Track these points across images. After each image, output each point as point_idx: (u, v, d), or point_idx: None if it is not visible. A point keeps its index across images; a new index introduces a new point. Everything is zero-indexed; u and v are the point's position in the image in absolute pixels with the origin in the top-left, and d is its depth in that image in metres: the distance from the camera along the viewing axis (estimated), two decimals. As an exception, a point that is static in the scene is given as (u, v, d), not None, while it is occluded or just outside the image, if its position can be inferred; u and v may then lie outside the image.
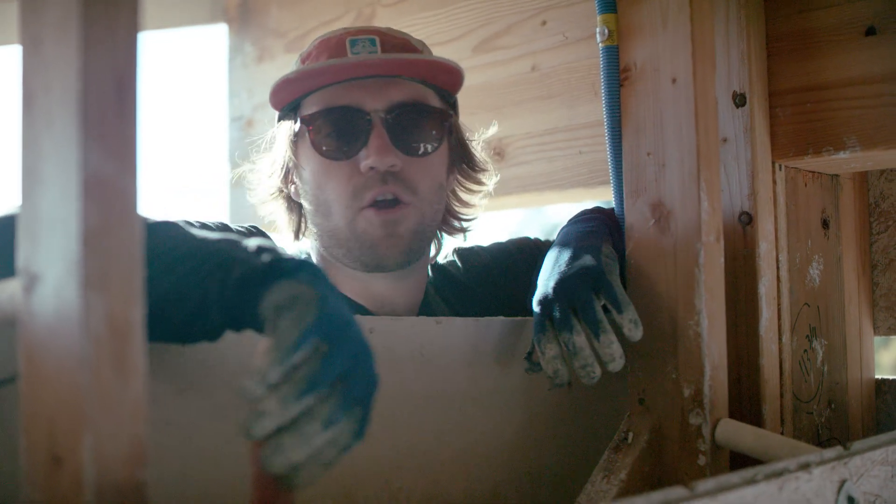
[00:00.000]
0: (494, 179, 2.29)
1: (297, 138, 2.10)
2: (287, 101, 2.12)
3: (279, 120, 2.17)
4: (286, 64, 3.65)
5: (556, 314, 1.74)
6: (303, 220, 2.20)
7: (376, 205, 2.00)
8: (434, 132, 2.08)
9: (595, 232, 1.88)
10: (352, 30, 2.11)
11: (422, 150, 2.06)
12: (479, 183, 2.26)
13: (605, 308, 1.74)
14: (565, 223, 2.01)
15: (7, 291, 1.14)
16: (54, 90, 0.95)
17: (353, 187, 2.01)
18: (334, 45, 2.07)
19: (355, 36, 2.07)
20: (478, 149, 2.26)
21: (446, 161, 2.15)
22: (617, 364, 1.72)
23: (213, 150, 4.06)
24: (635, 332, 1.73)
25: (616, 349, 1.71)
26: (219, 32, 4.02)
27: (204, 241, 1.33)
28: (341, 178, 2.02)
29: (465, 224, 2.26)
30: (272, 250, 1.29)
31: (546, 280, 1.82)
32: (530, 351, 1.80)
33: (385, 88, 2.04)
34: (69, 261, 0.92)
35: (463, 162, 2.22)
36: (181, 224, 1.40)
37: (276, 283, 1.23)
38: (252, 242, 1.31)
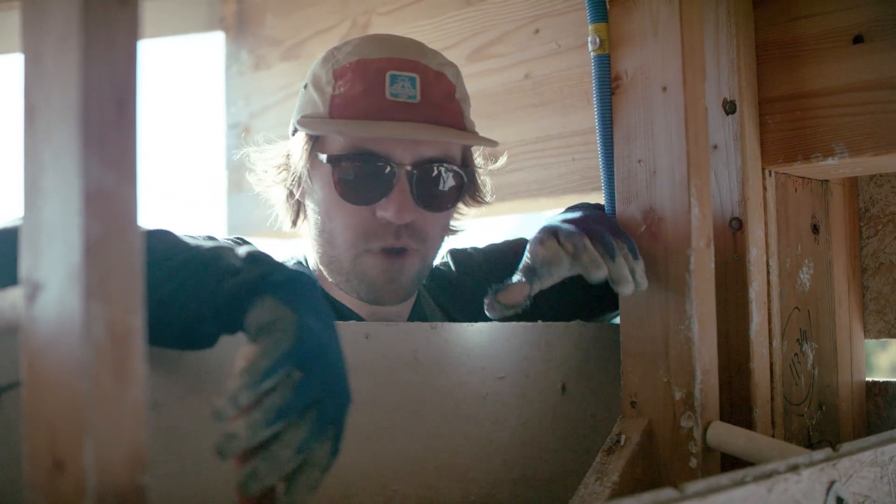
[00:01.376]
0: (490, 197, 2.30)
1: (316, 163, 2.07)
2: (315, 126, 2.06)
3: (295, 131, 2.12)
4: (282, 72, 3.68)
5: (563, 232, 1.74)
6: (302, 212, 2.18)
7: (383, 252, 2.00)
8: (454, 190, 2.08)
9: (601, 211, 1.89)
10: (395, 58, 2.04)
11: (439, 207, 2.06)
12: (476, 205, 2.27)
13: None
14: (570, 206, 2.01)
15: (9, 299, 1.16)
16: (55, 102, 0.96)
17: (365, 231, 2.01)
18: (372, 76, 2.01)
19: (397, 71, 2.01)
20: (485, 180, 2.26)
21: (457, 204, 2.15)
22: (627, 287, 1.72)
23: (209, 157, 4.06)
24: (643, 283, 1.74)
25: (627, 274, 1.71)
26: (215, 41, 4.03)
27: (199, 249, 1.35)
28: (354, 219, 2.02)
29: (454, 233, 2.27)
30: (262, 261, 1.31)
31: (566, 219, 1.81)
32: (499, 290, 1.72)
33: (416, 142, 2.01)
34: (71, 270, 0.93)
35: (468, 193, 2.20)
36: (173, 232, 1.41)
37: (260, 298, 1.25)
38: (244, 251, 1.33)
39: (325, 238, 2.07)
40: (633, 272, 1.72)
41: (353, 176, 2.00)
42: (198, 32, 4.06)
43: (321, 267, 2.12)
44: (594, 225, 1.75)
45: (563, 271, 1.73)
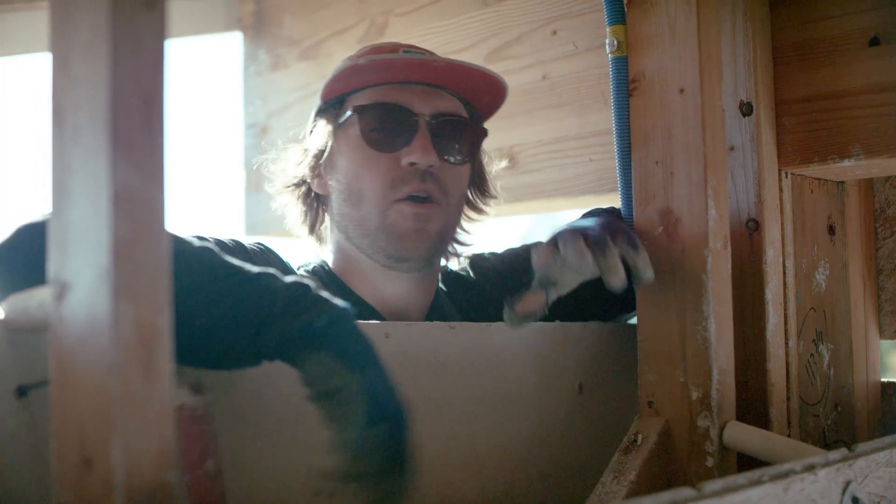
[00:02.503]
0: (499, 198, 2.36)
1: (338, 129, 2.18)
2: (337, 92, 2.19)
3: (318, 112, 2.24)
4: (300, 72, 3.69)
5: (561, 237, 1.75)
6: (320, 214, 2.26)
7: (410, 199, 2.08)
8: (468, 146, 2.19)
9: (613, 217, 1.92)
10: (403, 44, 2.21)
11: (457, 158, 2.16)
12: (485, 206, 2.33)
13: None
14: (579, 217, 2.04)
15: (37, 299, 1.18)
16: (83, 106, 0.98)
17: (392, 179, 2.09)
18: (388, 50, 2.17)
19: (408, 48, 2.19)
20: (492, 178, 2.35)
21: (469, 176, 2.24)
22: (615, 279, 1.69)
23: (228, 156, 4.08)
24: (646, 272, 1.73)
25: (613, 265, 1.69)
26: (233, 41, 4.05)
27: (236, 279, 1.35)
28: (381, 169, 2.10)
29: (460, 248, 2.31)
30: (302, 300, 1.34)
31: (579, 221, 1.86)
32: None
33: (432, 96, 2.14)
34: (99, 270, 0.94)
35: (476, 184, 2.30)
36: (213, 250, 1.41)
37: (311, 353, 1.31)
38: (281, 285, 1.35)
39: (354, 201, 2.14)
40: (633, 264, 1.73)
41: (378, 125, 2.12)
42: (215, 32, 4.07)
43: (345, 242, 2.19)
44: (589, 225, 1.78)
45: (569, 278, 1.74)
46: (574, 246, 1.70)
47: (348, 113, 2.15)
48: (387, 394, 1.33)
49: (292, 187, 2.26)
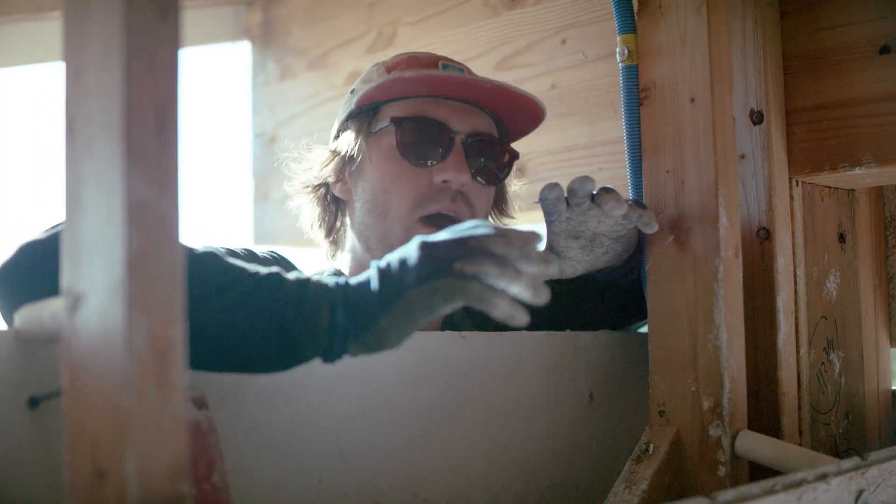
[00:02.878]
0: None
1: (370, 137, 2.15)
2: (374, 99, 2.15)
3: (350, 117, 2.20)
4: (308, 81, 3.69)
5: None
6: (339, 218, 2.25)
7: (435, 221, 2.05)
8: (501, 168, 2.17)
9: None
10: (442, 56, 2.19)
11: (489, 179, 2.13)
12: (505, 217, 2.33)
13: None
14: None
15: (50, 310, 1.18)
16: (97, 117, 0.98)
17: (421, 195, 2.06)
18: (426, 62, 2.16)
19: (446, 61, 2.17)
20: (512, 198, 2.35)
21: (493, 197, 2.23)
22: (653, 226, 1.81)
23: (236, 166, 4.09)
24: (652, 225, 1.81)
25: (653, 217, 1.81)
26: (242, 50, 4.06)
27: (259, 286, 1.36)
28: (411, 184, 2.08)
29: None
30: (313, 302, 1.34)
31: None
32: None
33: (469, 114, 2.12)
34: (113, 282, 0.95)
35: (497, 204, 2.29)
36: (219, 254, 1.41)
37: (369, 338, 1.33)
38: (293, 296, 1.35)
39: (379, 213, 2.11)
40: (641, 218, 1.81)
41: (414, 139, 2.09)
42: (224, 42, 4.08)
43: (363, 252, 2.17)
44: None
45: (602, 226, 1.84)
46: (611, 196, 1.78)
47: (385, 122, 2.12)
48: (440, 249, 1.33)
49: (312, 188, 2.25)
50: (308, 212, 2.28)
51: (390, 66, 2.17)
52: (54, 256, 1.13)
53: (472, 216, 2.08)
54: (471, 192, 2.09)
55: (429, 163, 2.07)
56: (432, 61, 2.16)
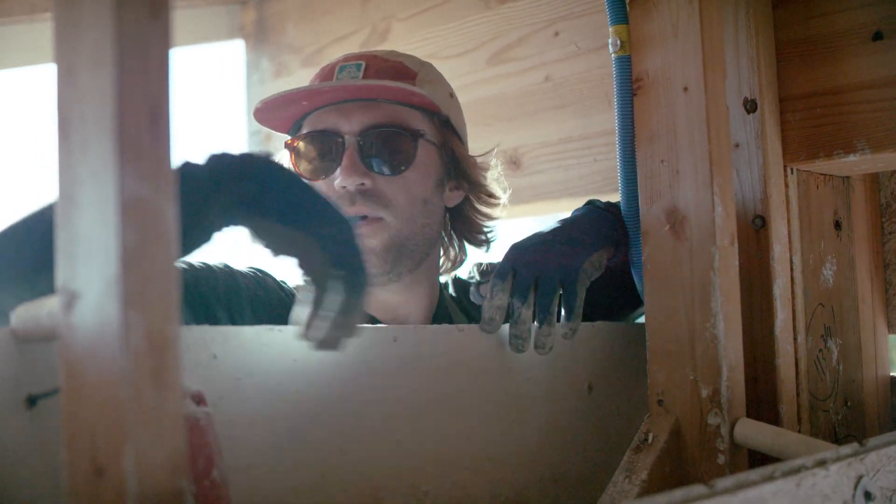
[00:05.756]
0: (506, 193, 2.34)
1: (291, 161, 2.18)
2: (289, 124, 2.23)
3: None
4: (303, 78, 3.69)
5: (520, 277, 1.82)
6: None
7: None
8: (407, 151, 2.14)
9: (600, 234, 1.93)
10: (350, 56, 2.22)
11: (391, 169, 2.12)
12: (490, 196, 2.31)
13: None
14: (582, 206, 2.05)
15: (45, 308, 1.18)
16: (90, 116, 0.98)
17: None
18: (327, 71, 2.20)
19: (346, 62, 2.18)
20: (475, 162, 2.31)
21: (432, 177, 2.20)
22: (545, 351, 1.82)
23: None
24: (570, 338, 1.85)
25: (550, 341, 1.81)
26: (236, 49, 4.06)
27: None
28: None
29: (482, 235, 2.30)
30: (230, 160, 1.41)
31: (536, 240, 1.90)
32: (482, 282, 1.91)
33: (360, 112, 2.12)
34: (108, 280, 0.95)
35: (462, 178, 2.27)
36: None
37: (258, 219, 1.39)
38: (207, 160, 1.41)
39: None
40: (537, 337, 1.82)
41: (308, 154, 2.14)
42: (218, 41, 4.08)
43: None
44: (553, 269, 1.85)
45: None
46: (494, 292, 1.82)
47: (283, 150, 2.19)
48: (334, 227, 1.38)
49: None
50: None
51: (312, 80, 2.23)
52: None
53: (385, 207, 2.10)
54: (376, 188, 2.10)
55: (329, 172, 2.11)
56: (332, 69, 2.20)
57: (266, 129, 3.80)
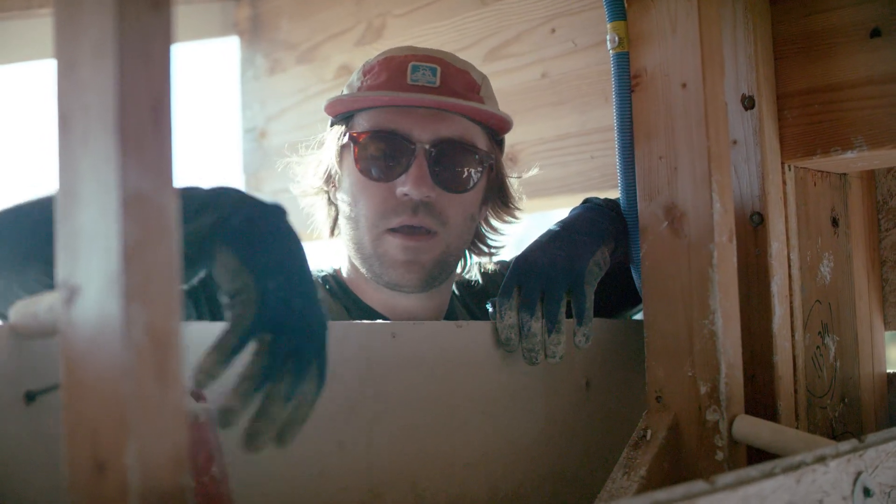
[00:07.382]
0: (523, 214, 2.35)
1: (343, 148, 2.13)
2: (341, 111, 2.16)
3: (332, 124, 2.20)
4: (298, 75, 3.69)
5: (526, 290, 1.82)
6: (338, 220, 2.22)
7: (402, 230, 2.03)
8: (473, 171, 2.11)
9: (599, 231, 1.92)
10: (420, 53, 2.14)
11: (458, 187, 2.09)
12: (511, 216, 2.29)
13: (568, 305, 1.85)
14: (579, 205, 2.05)
15: (46, 303, 1.17)
16: (91, 110, 0.97)
17: (384, 209, 2.04)
18: (395, 67, 2.10)
19: (418, 62, 2.10)
20: (513, 186, 2.29)
21: (481, 195, 2.18)
22: (556, 361, 1.83)
23: (226, 161, 4.09)
24: (584, 345, 1.86)
25: (560, 349, 1.82)
26: (230, 45, 4.05)
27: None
28: (375, 198, 2.06)
29: (492, 249, 2.29)
30: (224, 199, 1.38)
31: (536, 249, 1.90)
32: (491, 302, 1.86)
33: (434, 121, 2.06)
34: (110, 274, 0.94)
35: (498, 197, 2.25)
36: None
37: (221, 251, 1.33)
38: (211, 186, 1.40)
39: (352, 224, 2.10)
40: (546, 347, 1.84)
41: (374, 154, 2.07)
42: (213, 37, 4.08)
43: (354, 261, 2.16)
44: (558, 276, 1.86)
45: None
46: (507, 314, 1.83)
47: (345, 138, 2.11)
48: (290, 302, 1.30)
49: (313, 192, 2.24)
50: (316, 212, 2.26)
51: (367, 70, 2.15)
52: None
53: (442, 224, 2.06)
54: (437, 202, 2.06)
55: (391, 177, 2.05)
56: (403, 65, 2.10)
57: (260, 127, 3.81)
